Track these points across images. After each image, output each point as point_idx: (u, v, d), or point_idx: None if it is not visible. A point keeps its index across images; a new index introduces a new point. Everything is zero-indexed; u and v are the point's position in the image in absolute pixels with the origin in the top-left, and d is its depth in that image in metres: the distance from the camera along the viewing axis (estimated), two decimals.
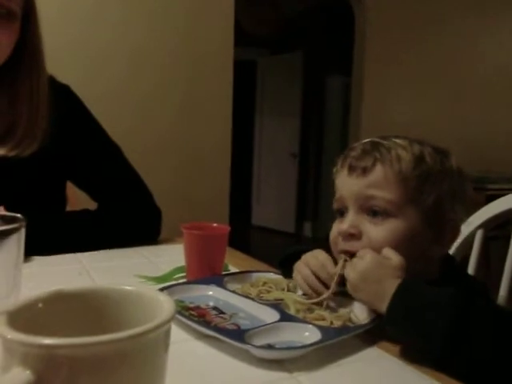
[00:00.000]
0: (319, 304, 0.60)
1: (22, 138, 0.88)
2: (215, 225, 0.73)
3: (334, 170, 0.65)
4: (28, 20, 0.89)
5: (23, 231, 0.34)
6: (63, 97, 0.98)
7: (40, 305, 0.30)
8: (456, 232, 0.62)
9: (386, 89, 3.69)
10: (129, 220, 0.96)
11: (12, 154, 0.87)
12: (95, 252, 0.85)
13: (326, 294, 0.59)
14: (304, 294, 0.64)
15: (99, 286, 0.33)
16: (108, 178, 0.99)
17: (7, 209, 0.73)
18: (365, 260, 0.55)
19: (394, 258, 0.55)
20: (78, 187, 1.04)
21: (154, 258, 0.86)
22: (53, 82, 0.97)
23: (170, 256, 0.84)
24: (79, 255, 0.83)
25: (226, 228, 0.71)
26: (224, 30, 2.39)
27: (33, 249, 0.66)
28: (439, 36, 3.76)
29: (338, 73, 4.85)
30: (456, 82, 3.86)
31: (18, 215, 0.36)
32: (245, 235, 5.46)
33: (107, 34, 2.05)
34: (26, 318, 0.28)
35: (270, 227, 5.56)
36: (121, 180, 1.01)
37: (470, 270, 0.90)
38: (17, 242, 0.33)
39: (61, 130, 0.94)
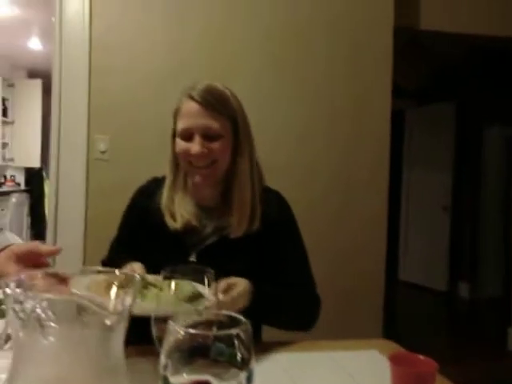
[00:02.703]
0: None
1: (241, 223, 1.11)
2: (422, 357, 0.76)
3: None
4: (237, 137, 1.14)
5: None
6: (275, 200, 1.22)
7: None
8: None
9: None
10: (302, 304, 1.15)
11: (231, 236, 1.12)
12: (299, 358, 0.95)
13: None
14: None
15: None
16: (290, 274, 1.17)
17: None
18: None
19: None
20: None
21: (352, 370, 0.92)
22: (267, 188, 1.21)
23: (369, 369, 0.89)
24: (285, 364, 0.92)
25: (434, 364, 0.73)
26: (382, 84, 2.42)
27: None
28: None
29: (496, 123, 4.51)
30: None
31: None
32: (390, 289, 5.23)
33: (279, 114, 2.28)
34: None
35: (418, 283, 5.27)
36: (299, 278, 1.18)
37: None
38: None
39: (269, 227, 1.15)
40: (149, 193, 1.21)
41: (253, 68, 2.26)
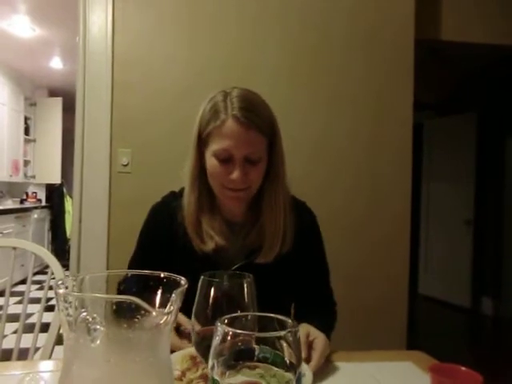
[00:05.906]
0: None
1: (273, 249, 1.07)
2: (464, 369, 0.73)
3: None
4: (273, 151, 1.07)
5: None
6: (302, 212, 1.16)
7: None
8: None
9: None
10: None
11: (261, 261, 1.06)
12: (331, 369, 0.93)
13: None
14: None
15: None
16: (316, 287, 1.19)
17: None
18: None
19: None
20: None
21: (388, 382, 0.89)
22: (294, 199, 1.15)
23: (406, 381, 0.86)
24: None
25: (478, 377, 0.70)
26: (403, 96, 2.39)
27: None
28: None
29: None
30: None
31: None
32: (410, 304, 5.10)
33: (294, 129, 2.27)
34: None
35: (439, 298, 5.14)
36: (324, 290, 1.21)
37: None
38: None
39: (300, 244, 1.11)
40: (170, 211, 1.10)
41: (268, 77, 2.27)
